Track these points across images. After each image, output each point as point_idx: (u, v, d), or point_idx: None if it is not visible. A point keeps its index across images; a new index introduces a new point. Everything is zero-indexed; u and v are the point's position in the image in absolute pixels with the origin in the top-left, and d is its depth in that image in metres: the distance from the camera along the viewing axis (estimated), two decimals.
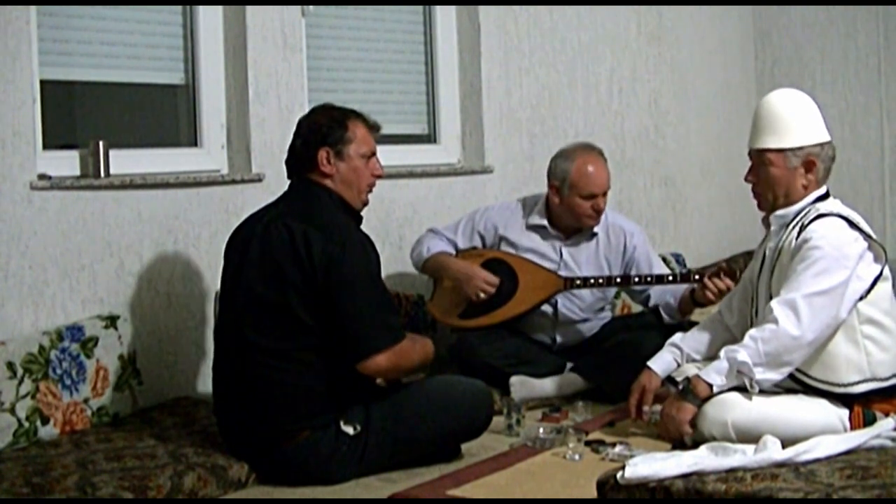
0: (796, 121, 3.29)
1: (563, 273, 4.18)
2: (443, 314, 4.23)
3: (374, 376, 3.23)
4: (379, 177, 3.39)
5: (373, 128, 3.38)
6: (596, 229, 4.24)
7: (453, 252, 4.27)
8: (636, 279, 4.14)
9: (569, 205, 4.16)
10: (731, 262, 5.64)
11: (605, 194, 4.16)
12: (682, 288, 4.12)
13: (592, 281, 4.14)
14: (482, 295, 4.12)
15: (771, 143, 3.29)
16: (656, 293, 4.21)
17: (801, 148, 3.28)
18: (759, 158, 3.33)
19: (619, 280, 4.16)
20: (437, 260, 4.22)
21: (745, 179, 3.40)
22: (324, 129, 3.30)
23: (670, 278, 4.13)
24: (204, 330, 3.91)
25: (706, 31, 5.95)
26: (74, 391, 3.44)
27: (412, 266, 4.36)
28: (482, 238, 4.30)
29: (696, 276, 4.02)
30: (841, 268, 3.15)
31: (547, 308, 4.23)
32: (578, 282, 4.14)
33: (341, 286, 3.12)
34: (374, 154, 3.37)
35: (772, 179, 3.31)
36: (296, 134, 3.37)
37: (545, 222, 4.24)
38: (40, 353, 3.37)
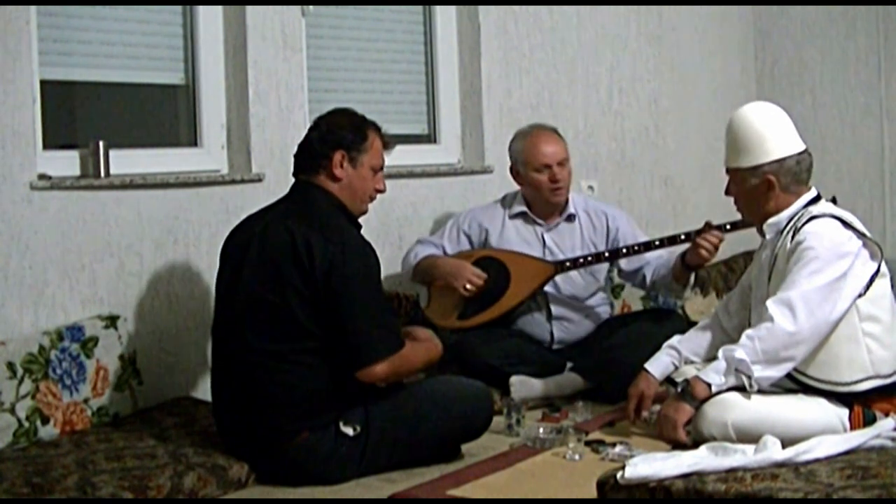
0: (752, 140, 3.32)
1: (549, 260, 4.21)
2: (441, 318, 4.23)
3: (373, 384, 3.22)
4: (380, 192, 3.42)
5: (387, 144, 3.41)
6: (574, 211, 4.30)
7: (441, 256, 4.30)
8: (624, 250, 4.17)
9: (529, 183, 4.25)
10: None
11: (561, 165, 4.21)
12: (675, 259, 4.12)
13: (582, 260, 4.17)
14: (470, 286, 4.13)
15: (731, 161, 3.38)
16: (651, 270, 4.23)
17: (754, 168, 3.32)
18: (728, 175, 3.41)
19: (608, 255, 4.18)
20: (426, 262, 4.24)
21: (725, 194, 3.45)
22: (345, 131, 3.32)
23: (657, 243, 4.13)
24: (204, 330, 3.90)
25: (706, 31, 5.94)
26: (74, 391, 3.44)
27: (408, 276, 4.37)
28: (469, 238, 4.34)
29: (683, 237, 4.03)
30: (835, 265, 3.17)
31: (540, 304, 4.25)
32: (568, 264, 4.18)
33: (342, 290, 3.12)
34: (382, 169, 3.40)
35: (739, 196, 3.40)
36: (313, 129, 3.38)
37: (525, 208, 4.30)
38: (40, 353, 3.37)
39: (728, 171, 3.41)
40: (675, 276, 4.12)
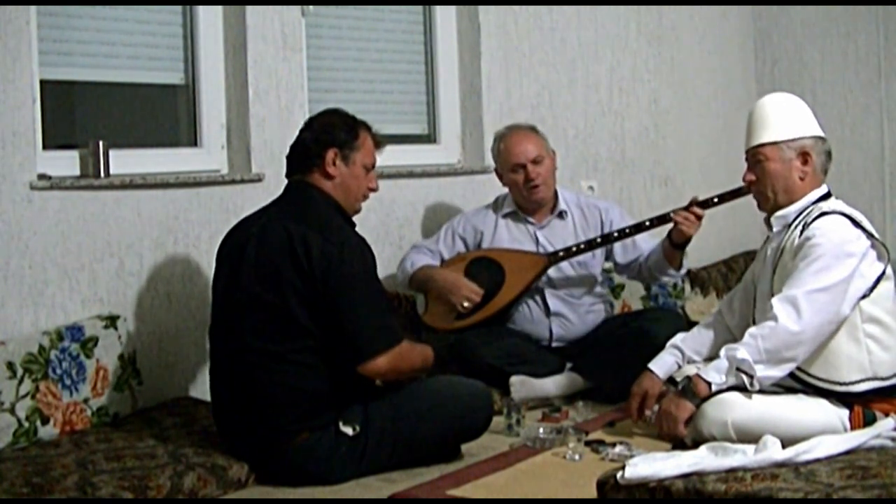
0: (789, 116, 3.34)
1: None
2: (439, 321, 4.23)
3: (375, 378, 3.23)
4: (373, 190, 3.43)
5: (378, 143, 3.43)
6: (565, 207, 4.33)
7: (438, 263, 4.30)
8: (615, 234, 4.17)
9: (509, 183, 4.30)
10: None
11: (536, 162, 4.23)
12: (664, 241, 4.14)
13: (574, 249, 4.19)
14: (467, 304, 4.16)
15: (765, 138, 3.33)
16: (645, 257, 4.25)
17: (794, 139, 3.31)
18: (755, 157, 3.36)
19: (600, 240, 4.20)
20: (422, 273, 4.25)
21: (743, 180, 3.42)
22: (336, 130, 3.33)
23: (647, 224, 4.14)
24: (204, 330, 3.90)
25: (706, 31, 5.94)
26: (74, 391, 3.43)
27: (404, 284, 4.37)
28: (464, 241, 4.37)
29: (672, 214, 4.05)
30: (842, 265, 3.15)
31: (537, 300, 4.26)
32: (561, 253, 4.20)
33: (340, 288, 3.12)
34: (374, 167, 3.41)
35: (769, 175, 3.33)
36: (305, 129, 3.40)
37: (514, 208, 4.34)
38: (40, 353, 3.37)
39: (756, 150, 3.34)
40: (667, 257, 4.13)
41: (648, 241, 4.26)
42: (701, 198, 4.01)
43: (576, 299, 4.32)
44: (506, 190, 4.38)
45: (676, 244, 4.05)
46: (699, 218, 3.96)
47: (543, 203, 4.31)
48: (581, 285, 4.33)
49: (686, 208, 3.98)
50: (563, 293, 4.30)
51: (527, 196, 4.26)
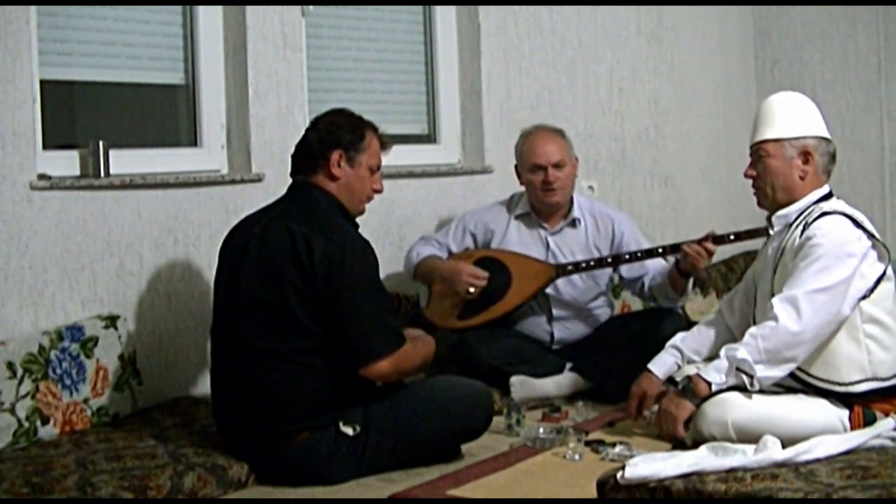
0: (794, 115, 3.35)
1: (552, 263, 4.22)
2: (441, 318, 4.22)
3: (377, 381, 3.23)
4: (378, 192, 3.42)
5: (384, 144, 3.41)
6: (579, 215, 4.30)
7: (445, 256, 4.29)
8: (626, 256, 4.17)
9: (527, 183, 4.28)
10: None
11: (557, 167, 4.20)
12: (670, 266, 4.13)
13: (584, 265, 4.17)
14: (472, 289, 4.14)
15: (768, 134, 3.34)
16: (650, 278, 4.24)
17: (797, 138, 3.32)
18: (758, 152, 3.37)
19: (610, 260, 4.18)
20: (426, 263, 4.25)
21: (745, 174, 3.42)
22: (342, 131, 3.32)
23: (660, 251, 4.13)
24: (204, 330, 3.90)
25: (706, 31, 5.94)
26: (74, 391, 3.44)
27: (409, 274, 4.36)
28: (474, 237, 4.35)
29: (685, 245, 4.03)
30: (843, 265, 3.15)
31: (540, 304, 4.25)
32: (570, 267, 4.18)
33: (343, 289, 3.12)
34: (379, 169, 3.40)
35: (769, 171, 3.34)
36: (311, 128, 3.38)
37: (528, 210, 4.31)
38: (40, 353, 3.37)
39: (759, 145, 3.35)
40: (672, 283, 4.12)
41: (655, 260, 4.25)
42: (718, 233, 4.00)
43: (580, 306, 4.31)
44: (513, 188, 4.36)
45: (683, 272, 4.05)
46: (710, 254, 3.96)
47: (557, 207, 4.28)
48: (585, 294, 4.32)
49: (700, 241, 3.96)
50: (567, 300, 4.28)
51: (541, 198, 4.24)
